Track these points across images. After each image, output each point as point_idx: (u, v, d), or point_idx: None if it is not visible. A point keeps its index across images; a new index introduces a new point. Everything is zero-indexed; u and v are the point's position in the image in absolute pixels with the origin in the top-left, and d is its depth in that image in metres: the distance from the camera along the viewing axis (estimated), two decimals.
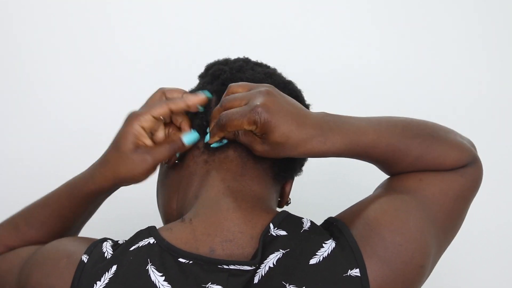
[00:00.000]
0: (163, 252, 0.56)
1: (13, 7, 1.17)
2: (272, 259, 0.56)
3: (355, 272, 0.55)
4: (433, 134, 0.64)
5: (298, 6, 1.20)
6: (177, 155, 0.65)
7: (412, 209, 0.60)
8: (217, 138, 0.61)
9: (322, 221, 0.65)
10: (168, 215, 0.67)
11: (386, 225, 0.58)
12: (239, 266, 0.54)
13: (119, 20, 1.19)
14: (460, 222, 0.66)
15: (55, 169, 1.14)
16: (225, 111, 0.58)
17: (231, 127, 0.58)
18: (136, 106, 1.09)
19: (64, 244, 0.63)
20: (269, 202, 0.64)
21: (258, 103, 0.56)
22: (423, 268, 0.59)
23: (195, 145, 0.65)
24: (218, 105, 0.61)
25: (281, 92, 0.60)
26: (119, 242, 0.60)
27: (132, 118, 0.63)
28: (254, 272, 0.55)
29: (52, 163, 1.15)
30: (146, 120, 0.63)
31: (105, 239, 0.61)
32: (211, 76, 0.69)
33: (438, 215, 0.62)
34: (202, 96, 0.64)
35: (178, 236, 0.58)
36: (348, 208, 0.65)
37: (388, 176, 0.68)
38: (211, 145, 0.63)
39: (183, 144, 0.63)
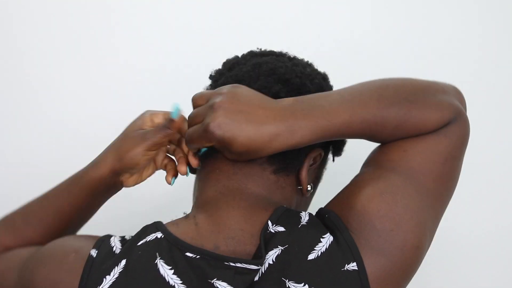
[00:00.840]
0: (171, 246, 0.57)
1: (13, 7, 1.18)
2: (271, 256, 0.57)
3: (352, 266, 0.56)
4: (410, 98, 0.61)
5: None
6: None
7: (398, 188, 0.60)
8: (193, 150, 0.65)
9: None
10: None
11: (374, 212, 0.58)
12: (245, 265, 0.55)
13: (119, 21, 1.19)
14: (455, 182, 0.66)
15: (54, 170, 1.15)
16: (188, 130, 0.61)
17: (194, 144, 0.60)
18: (136, 107, 1.10)
19: (69, 240, 0.64)
20: (272, 198, 0.64)
21: (209, 121, 0.56)
22: (419, 249, 0.59)
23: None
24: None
25: (242, 91, 0.59)
26: (125, 237, 0.61)
27: (146, 112, 0.69)
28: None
29: (51, 164, 1.16)
30: (158, 117, 0.68)
31: (110, 235, 0.62)
32: (211, 79, 0.72)
33: (429, 183, 0.61)
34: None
35: (184, 231, 0.59)
36: (337, 195, 0.64)
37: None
38: (197, 154, 0.67)
39: (171, 119, 0.64)
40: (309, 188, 0.67)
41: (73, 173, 0.73)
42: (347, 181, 0.65)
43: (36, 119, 1.17)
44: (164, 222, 0.62)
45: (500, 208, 1.15)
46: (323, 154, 0.68)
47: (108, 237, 0.61)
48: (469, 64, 1.17)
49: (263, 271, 0.56)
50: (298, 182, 0.67)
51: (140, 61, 1.18)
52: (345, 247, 0.57)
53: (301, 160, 0.66)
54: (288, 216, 0.61)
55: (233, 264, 0.55)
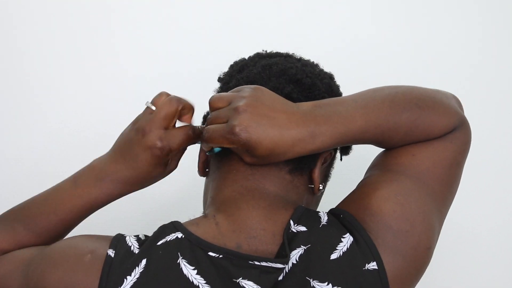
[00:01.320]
0: (193, 246, 0.56)
1: (13, 7, 1.17)
2: (294, 256, 0.57)
3: (373, 265, 0.57)
4: (420, 104, 0.63)
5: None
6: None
7: (411, 190, 0.61)
8: (208, 148, 0.64)
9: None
10: None
11: (390, 213, 0.59)
12: (271, 264, 0.55)
13: (118, 21, 1.19)
14: (456, 186, 0.67)
15: (53, 169, 1.14)
16: (208, 126, 0.60)
17: (213, 143, 0.59)
18: (134, 107, 1.09)
19: (81, 241, 0.61)
20: (289, 197, 0.64)
21: (235, 124, 0.56)
22: (430, 250, 0.61)
23: (215, 156, 0.67)
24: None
25: (264, 94, 0.59)
26: (139, 236, 0.61)
27: (147, 130, 0.63)
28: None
29: (50, 163, 1.15)
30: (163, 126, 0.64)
31: (122, 235, 0.61)
32: (220, 82, 0.72)
33: (436, 187, 0.63)
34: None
35: (205, 231, 0.59)
36: (349, 196, 0.66)
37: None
38: (207, 152, 0.65)
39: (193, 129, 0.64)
40: (320, 188, 0.67)
41: (72, 177, 0.69)
42: (352, 180, 0.66)
43: (35, 119, 1.17)
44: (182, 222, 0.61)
45: (501, 205, 1.15)
46: (333, 153, 0.69)
47: (123, 236, 0.60)
48: (468, 65, 1.18)
49: (287, 271, 0.56)
50: (310, 181, 0.67)
51: (140, 62, 1.18)
52: (365, 246, 0.58)
53: (315, 160, 0.66)
54: (308, 215, 0.61)
55: (258, 263, 0.55)
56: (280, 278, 0.56)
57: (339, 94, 0.72)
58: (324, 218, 0.61)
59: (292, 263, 0.56)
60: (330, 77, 0.72)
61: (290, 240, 0.58)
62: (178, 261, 0.55)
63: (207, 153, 0.66)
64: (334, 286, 0.55)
